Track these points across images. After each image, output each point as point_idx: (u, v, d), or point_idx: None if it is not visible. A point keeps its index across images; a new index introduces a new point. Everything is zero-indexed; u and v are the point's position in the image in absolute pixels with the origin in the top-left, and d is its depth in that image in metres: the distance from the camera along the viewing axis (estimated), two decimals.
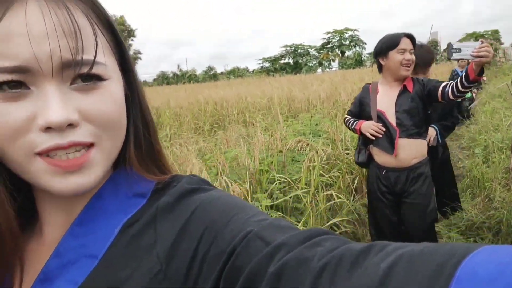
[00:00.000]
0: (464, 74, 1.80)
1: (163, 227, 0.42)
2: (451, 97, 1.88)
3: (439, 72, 13.04)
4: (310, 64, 37.63)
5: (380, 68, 2.12)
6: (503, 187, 3.06)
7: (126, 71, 0.45)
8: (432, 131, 2.51)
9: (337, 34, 37.93)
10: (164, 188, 0.47)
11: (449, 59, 1.82)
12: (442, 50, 28.35)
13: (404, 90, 2.05)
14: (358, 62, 32.88)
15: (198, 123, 6.33)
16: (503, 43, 26.15)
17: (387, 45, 2.03)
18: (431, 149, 2.29)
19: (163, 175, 0.48)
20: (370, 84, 2.22)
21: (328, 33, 38.66)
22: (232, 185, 1.94)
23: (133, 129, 0.46)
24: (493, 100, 7.46)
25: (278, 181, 2.56)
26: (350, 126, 2.22)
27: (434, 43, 28.11)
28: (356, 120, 2.18)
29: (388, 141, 2.04)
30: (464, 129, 5.88)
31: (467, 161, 4.37)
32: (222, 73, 39.07)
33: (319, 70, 37.27)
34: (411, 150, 2.04)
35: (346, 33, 37.74)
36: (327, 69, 36.72)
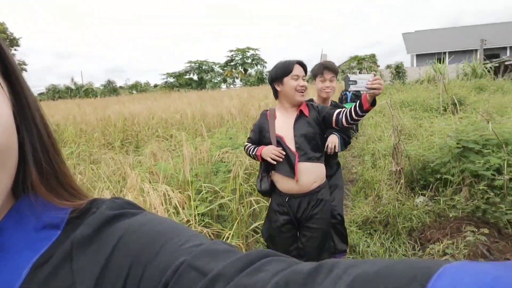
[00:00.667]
0: (358, 104, 1.86)
1: (82, 264, 0.36)
2: (345, 124, 1.93)
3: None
4: (215, 81, 38.19)
5: (276, 94, 2.12)
6: (388, 187, 3.70)
7: (12, 83, 0.37)
8: (334, 138, 2.58)
9: (239, 52, 39.38)
10: (81, 216, 0.41)
11: (347, 91, 1.98)
12: None
13: (300, 115, 2.06)
14: (260, 79, 34.55)
15: (107, 139, 6.07)
16: (379, 66, 30.04)
17: (282, 71, 2.03)
18: (327, 162, 2.27)
19: (77, 200, 0.42)
20: (267, 110, 2.20)
21: (231, 51, 39.81)
22: (174, 192, 2.06)
23: (30, 150, 0.39)
24: (376, 115, 8.69)
25: (205, 190, 2.74)
26: (250, 153, 2.16)
27: None
28: (256, 147, 2.14)
29: (289, 166, 2.02)
30: (354, 140, 6.77)
31: (359, 167, 5.10)
32: (121, 87, 37.16)
33: (224, 86, 38.14)
34: (311, 174, 2.03)
35: (248, 51, 39.46)
36: (232, 86, 37.83)
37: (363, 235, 3.18)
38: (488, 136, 3.34)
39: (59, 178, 0.41)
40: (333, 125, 1.99)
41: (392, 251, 2.88)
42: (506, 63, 18.02)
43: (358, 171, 4.90)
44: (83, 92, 31.74)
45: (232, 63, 39.58)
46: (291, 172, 2.01)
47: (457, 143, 3.38)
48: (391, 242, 2.99)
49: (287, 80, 2.01)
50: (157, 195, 1.94)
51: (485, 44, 20.88)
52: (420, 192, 3.58)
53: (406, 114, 6.98)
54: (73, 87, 33.13)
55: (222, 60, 42.92)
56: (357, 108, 1.86)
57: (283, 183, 2.07)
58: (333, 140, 2.56)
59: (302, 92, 2.02)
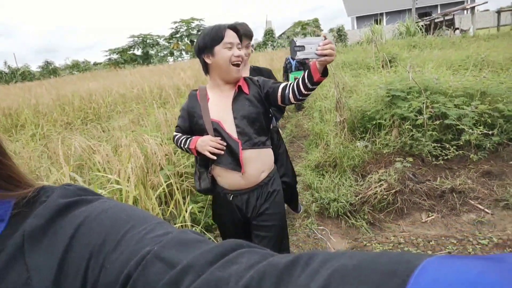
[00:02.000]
0: (306, 74, 1.54)
1: (37, 258, 0.33)
2: (292, 100, 1.61)
3: (278, 57, 15.00)
4: (161, 54, 37.09)
5: (206, 68, 1.70)
6: (334, 135, 4.33)
7: None
8: None
9: (184, 23, 38.24)
10: (28, 205, 0.38)
11: (293, 59, 1.63)
12: (277, 37, 31.87)
13: (239, 92, 1.69)
14: None
15: (67, 119, 6.14)
16: (322, 30, 30.92)
17: (210, 39, 1.60)
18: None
19: (21, 190, 0.39)
20: (196, 90, 1.77)
21: (175, 22, 38.30)
22: (162, 146, 2.43)
23: None
24: None
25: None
26: (182, 146, 1.74)
27: (270, 32, 31.33)
28: (189, 138, 1.73)
29: (231, 156, 1.65)
30: (304, 102, 7.38)
31: (309, 123, 5.72)
32: (59, 68, 34.99)
33: (171, 60, 37.12)
34: (258, 163, 1.69)
35: (193, 22, 38.52)
36: (180, 59, 37.00)
37: (317, 175, 3.79)
38: (411, 85, 4.03)
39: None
40: (279, 102, 1.66)
41: (340, 185, 3.51)
42: (436, 20, 19.48)
43: (309, 127, 5.52)
44: (20, 75, 29.58)
45: (177, 35, 38.47)
46: (236, 163, 1.65)
47: (387, 93, 4.04)
48: (339, 179, 3.63)
49: (218, 50, 1.60)
50: (155, 142, 2.31)
51: (416, 4, 22.24)
52: (360, 137, 4.25)
53: (347, 73, 7.67)
54: (7, 71, 30.71)
55: (167, 33, 41.64)
56: (306, 80, 1.54)
57: (227, 178, 1.70)
58: None
59: (238, 65, 1.64)
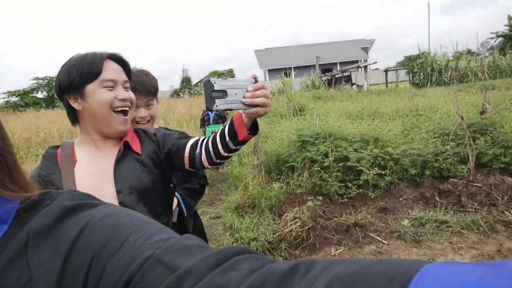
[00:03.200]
0: (228, 129, 1.11)
1: (39, 258, 0.34)
2: (206, 164, 1.17)
3: (196, 104, 15.25)
4: None
5: (73, 115, 1.15)
6: (252, 177, 4.57)
7: None
8: None
9: None
10: (32, 208, 0.38)
11: (209, 110, 0.98)
12: (193, 84, 32.56)
13: (126, 151, 1.15)
14: None
15: None
16: None
17: (81, 74, 1.08)
18: (179, 226, 1.65)
19: (26, 193, 0.39)
20: (57, 147, 1.17)
21: None
22: None
23: None
24: None
25: None
26: None
27: (187, 79, 31.96)
28: None
29: None
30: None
31: (227, 166, 5.93)
32: None
33: None
34: None
35: None
36: None
37: (237, 216, 3.93)
38: (318, 131, 4.53)
39: (6, 170, 0.38)
40: (186, 165, 1.19)
41: (259, 224, 3.70)
42: (336, 76, 22.05)
43: (228, 170, 5.71)
44: None
45: None
46: None
47: (298, 138, 4.48)
48: (258, 218, 3.81)
49: (91, 90, 1.08)
50: None
51: (320, 60, 25.00)
52: (276, 178, 4.56)
53: (262, 120, 8.22)
54: None
55: None
56: (227, 138, 1.11)
57: None
58: None
59: (125, 112, 1.14)
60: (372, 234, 3.53)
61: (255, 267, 0.29)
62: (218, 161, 1.18)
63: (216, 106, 0.95)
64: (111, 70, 1.10)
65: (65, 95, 1.11)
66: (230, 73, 34.10)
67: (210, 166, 1.20)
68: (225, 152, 1.14)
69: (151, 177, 1.16)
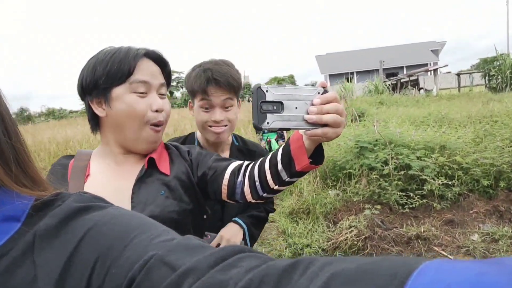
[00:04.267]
0: (281, 154, 0.82)
1: (45, 257, 0.34)
2: (249, 198, 0.90)
3: None
4: None
5: (96, 122, 0.95)
6: (307, 183, 4.51)
7: None
8: (235, 232, 1.28)
9: None
10: (44, 207, 0.39)
11: (258, 129, 0.69)
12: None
13: (150, 170, 0.93)
14: (187, 101, 34.75)
15: (40, 165, 6.07)
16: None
17: (107, 71, 0.86)
18: None
19: (40, 191, 0.40)
20: (70, 158, 0.97)
21: None
22: None
23: None
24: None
25: None
26: None
27: (248, 86, 32.61)
28: None
29: None
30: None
31: None
32: (35, 115, 34.53)
33: None
34: None
35: (173, 75, 39.69)
36: None
37: (291, 222, 3.90)
38: (377, 137, 4.34)
39: (21, 165, 0.39)
40: (224, 196, 0.94)
41: (313, 231, 3.63)
42: (402, 80, 20.99)
43: None
44: None
45: None
46: None
47: (355, 144, 4.33)
48: (312, 225, 3.75)
49: (119, 94, 0.87)
50: None
51: (383, 64, 24.02)
52: (331, 185, 4.45)
53: None
54: None
55: None
56: (279, 166, 0.82)
57: None
58: (229, 236, 1.25)
59: (158, 126, 0.92)
60: (436, 248, 3.28)
61: (255, 265, 0.29)
62: (264, 195, 0.88)
63: (268, 123, 0.68)
64: (146, 71, 0.89)
65: (88, 96, 0.91)
66: (290, 79, 34.08)
67: (254, 201, 0.91)
68: (276, 185, 0.85)
69: (177, 205, 0.89)
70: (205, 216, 1.01)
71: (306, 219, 3.90)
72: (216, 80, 1.21)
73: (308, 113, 0.71)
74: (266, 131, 4.35)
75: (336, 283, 0.23)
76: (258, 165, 0.88)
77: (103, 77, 0.86)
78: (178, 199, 0.90)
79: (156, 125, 0.91)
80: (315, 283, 0.24)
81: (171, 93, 38.73)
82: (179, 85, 40.39)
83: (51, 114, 34.03)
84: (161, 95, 0.93)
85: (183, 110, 21.55)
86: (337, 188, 4.35)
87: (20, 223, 0.37)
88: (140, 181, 0.90)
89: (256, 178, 0.87)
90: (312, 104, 0.72)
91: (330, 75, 38.44)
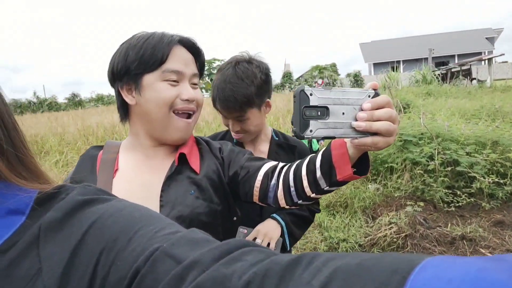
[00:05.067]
0: (320, 160, 0.76)
1: (49, 250, 0.35)
2: (283, 204, 0.85)
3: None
4: None
5: (124, 109, 0.92)
6: None
7: None
8: (272, 227, 1.24)
9: (206, 63, 39.90)
10: (48, 200, 0.39)
11: (300, 138, 0.63)
12: (295, 79, 32.71)
13: (180, 166, 0.88)
14: None
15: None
16: (339, 74, 31.52)
17: (139, 57, 0.84)
18: None
19: (42, 184, 0.40)
20: (100, 148, 0.94)
21: None
22: None
23: None
24: None
25: None
26: None
27: (289, 74, 32.25)
28: None
29: None
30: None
31: None
32: (85, 100, 36.35)
33: None
34: None
35: (214, 62, 40.15)
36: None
37: (327, 215, 3.83)
38: (423, 131, 4.13)
39: (22, 160, 0.39)
40: (256, 199, 0.89)
41: (350, 225, 3.54)
42: (453, 70, 19.79)
43: None
44: (47, 106, 30.80)
45: None
46: None
47: (399, 137, 4.15)
48: (349, 219, 3.66)
49: (150, 82, 0.85)
50: None
51: (433, 53, 22.75)
52: (372, 179, 4.31)
53: None
54: (35, 101, 32.07)
55: None
56: (318, 173, 0.76)
57: None
58: (267, 233, 1.21)
59: (189, 116, 0.90)
60: (483, 250, 3.09)
61: (259, 259, 0.30)
62: (300, 202, 0.82)
63: (311, 131, 0.61)
64: (179, 59, 0.86)
65: (118, 83, 0.88)
66: (332, 67, 33.24)
67: (288, 207, 0.85)
68: (313, 193, 0.78)
69: (207, 206, 0.85)
70: (235, 218, 0.96)
71: (344, 213, 3.82)
72: (221, 101, 1.21)
73: (356, 120, 0.64)
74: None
75: (338, 278, 0.23)
76: (294, 169, 0.81)
77: (135, 62, 0.84)
78: (208, 199, 0.86)
79: (186, 114, 0.88)
80: (318, 278, 0.24)
81: (212, 80, 39.08)
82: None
83: (100, 100, 35.63)
84: (193, 85, 0.90)
85: None
86: (378, 182, 4.21)
87: (24, 216, 0.37)
88: (171, 178, 0.86)
89: (292, 183, 0.81)
90: (361, 110, 0.64)
91: (375, 64, 37.06)
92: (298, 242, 3.47)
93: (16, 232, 0.36)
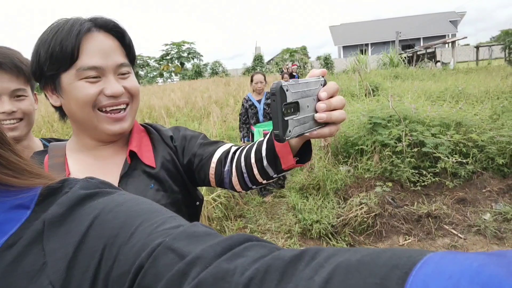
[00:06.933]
0: (265, 149, 0.76)
1: (54, 245, 0.35)
2: (237, 188, 0.85)
3: (268, 81, 15.10)
4: (151, 75, 37.46)
5: (62, 111, 0.83)
6: (318, 159, 4.48)
7: None
8: None
9: (175, 46, 38.85)
10: (52, 195, 0.39)
11: (280, 141, 0.55)
12: (265, 62, 32.55)
13: (135, 163, 0.84)
14: (198, 73, 34.50)
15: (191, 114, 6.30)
16: (310, 57, 31.64)
17: (53, 55, 0.73)
18: None
19: (44, 180, 0.40)
20: (45, 152, 0.87)
21: (166, 45, 38.91)
22: None
23: None
24: None
25: None
26: None
27: (260, 57, 32.04)
28: None
29: None
30: None
31: None
32: None
33: (160, 81, 37.24)
34: None
35: (184, 45, 39.14)
36: (169, 80, 37.29)
37: (301, 197, 3.91)
38: (392, 113, 4.25)
39: (18, 155, 0.38)
40: (213, 184, 0.87)
41: (323, 207, 3.63)
42: (418, 52, 20.35)
43: None
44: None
45: (167, 57, 39.00)
46: None
47: (369, 120, 4.25)
48: (322, 201, 3.75)
49: (68, 82, 0.75)
50: None
51: (400, 36, 23.25)
52: (343, 161, 4.41)
53: None
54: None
55: (157, 55, 42.18)
56: (265, 161, 0.77)
57: None
58: None
59: (118, 112, 0.81)
60: (447, 227, 3.26)
61: (261, 254, 0.30)
62: (254, 187, 0.84)
63: (289, 132, 0.56)
64: (94, 51, 0.74)
65: (40, 84, 0.80)
66: (303, 50, 33.23)
67: (244, 191, 0.87)
68: (264, 180, 0.80)
69: (169, 197, 0.84)
70: (197, 203, 0.95)
71: (316, 195, 3.90)
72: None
73: (316, 111, 0.61)
74: (261, 119, 4.22)
75: (340, 273, 0.24)
76: (245, 155, 0.81)
77: (47, 62, 0.73)
78: (169, 190, 0.84)
79: (117, 109, 0.79)
80: (320, 274, 0.25)
81: (182, 64, 38.41)
82: (190, 56, 40.23)
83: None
84: (122, 75, 0.80)
85: (194, 82, 21.43)
86: (349, 164, 4.32)
87: (29, 211, 0.37)
88: (126, 176, 0.82)
89: (244, 170, 0.80)
90: (319, 100, 0.62)
91: (344, 47, 37.47)
92: (273, 225, 3.54)
93: (21, 227, 0.36)
